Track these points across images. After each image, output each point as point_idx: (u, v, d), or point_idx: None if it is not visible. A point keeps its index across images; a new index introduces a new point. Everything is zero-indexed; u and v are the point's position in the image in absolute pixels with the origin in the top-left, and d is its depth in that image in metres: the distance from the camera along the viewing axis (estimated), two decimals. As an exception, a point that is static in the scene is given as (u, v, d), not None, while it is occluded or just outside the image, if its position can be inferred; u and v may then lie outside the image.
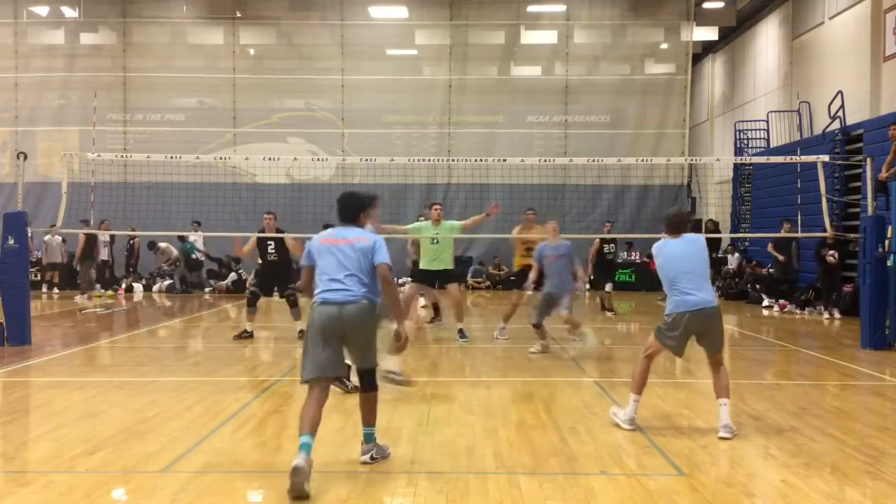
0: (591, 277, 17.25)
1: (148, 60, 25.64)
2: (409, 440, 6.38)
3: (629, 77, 25.70)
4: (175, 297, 20.86)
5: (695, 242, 6.92)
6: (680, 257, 6.76)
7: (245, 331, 12.31)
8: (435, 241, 12.26)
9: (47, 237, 20.91)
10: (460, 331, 12.22)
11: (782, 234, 16.87)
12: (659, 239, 7.06)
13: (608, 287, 16.74)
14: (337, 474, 5.63)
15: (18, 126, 25.33)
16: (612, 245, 17.07)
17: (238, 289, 21.35)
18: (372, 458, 5.74)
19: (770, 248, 17.99)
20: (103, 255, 21.59)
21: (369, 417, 5.81)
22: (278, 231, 12.86)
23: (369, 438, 5.80)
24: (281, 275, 12.61)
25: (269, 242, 12.64)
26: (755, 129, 23.67)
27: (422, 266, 12.48)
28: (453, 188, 24.65)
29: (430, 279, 12.44)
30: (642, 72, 25.92)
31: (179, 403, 7.81)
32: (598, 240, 16.79)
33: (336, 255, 5.62)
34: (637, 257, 23.17)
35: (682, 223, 7.02)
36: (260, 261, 12.89)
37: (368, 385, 5.81)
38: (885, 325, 11.41)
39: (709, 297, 6.75)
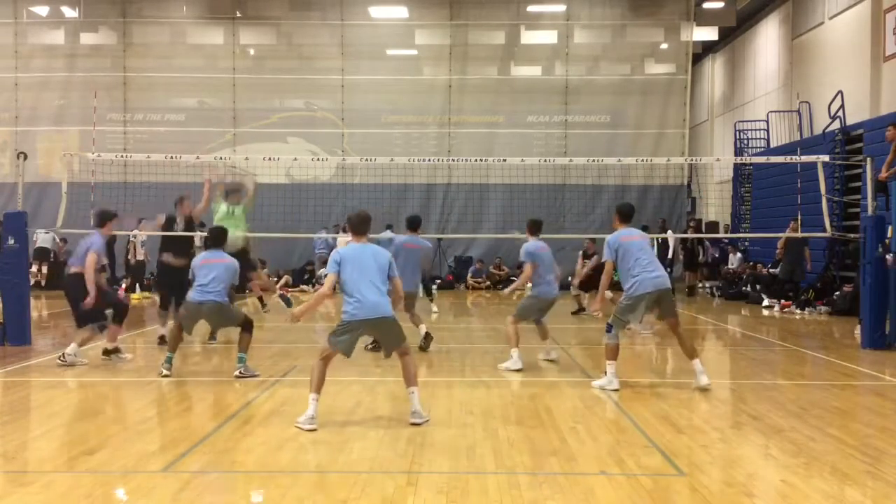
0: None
1: (148, 60, 25.65)
2: (409, 440, 6.38)
3: (629, 77, 25.70)
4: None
5: None
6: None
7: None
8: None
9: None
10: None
11: (788, 233, 16.78)
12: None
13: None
14: (337, 474, 5.63)
15: (18, 126, 25.34)
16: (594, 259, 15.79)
17: (238, 289, 21.28)
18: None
19: (780, 246, 17.81)
20: (139, 254, 21.42)
21: None
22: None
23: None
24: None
25: None
26: (755, 129, 23.68)
27: None
28: (453, 188, 24.66)
29: None
30: (642, 72, 25.93)
31: (179, 403, 7.82)
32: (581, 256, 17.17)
33: None
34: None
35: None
36: None
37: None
38: (885, 325, 11.41)
39: None
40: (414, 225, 11.50)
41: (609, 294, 12.31)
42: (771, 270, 18.77)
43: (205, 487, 5.23)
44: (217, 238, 9.65)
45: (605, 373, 8.50)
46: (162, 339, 11.35)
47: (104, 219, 10.57)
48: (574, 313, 15.71)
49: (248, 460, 5.92)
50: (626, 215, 8.67)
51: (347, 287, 6.81)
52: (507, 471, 5.62)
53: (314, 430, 6.57)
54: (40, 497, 5.08)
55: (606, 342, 8.48)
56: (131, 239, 20.73)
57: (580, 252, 17.66)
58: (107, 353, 10.21)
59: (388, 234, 13.49)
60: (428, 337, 11.20)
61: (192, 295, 9.14)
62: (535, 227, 10.20)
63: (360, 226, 7.16)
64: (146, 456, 5.92)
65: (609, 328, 8.47)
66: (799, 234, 16.39)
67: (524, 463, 5.81)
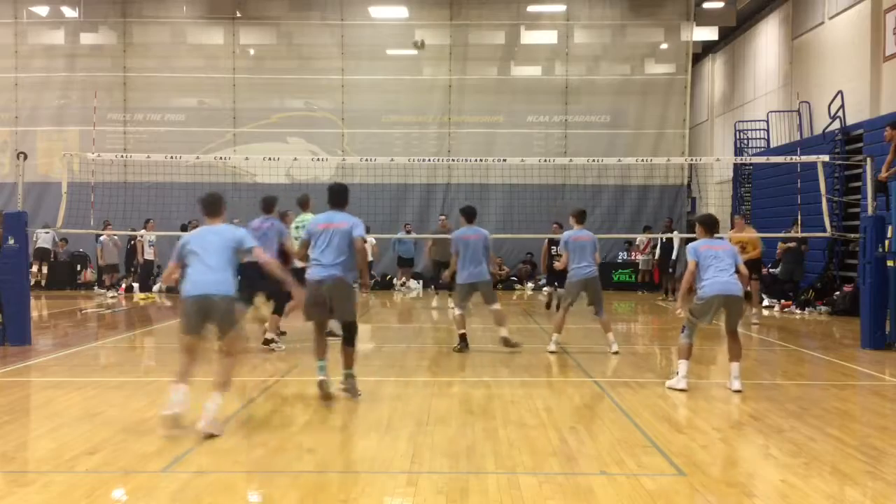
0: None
1: (148, 60, 25.64)
2: (409, 440, 6.38)
3: (629, 77, 25.69)
4: (175, 297, 20.83)
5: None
6: None
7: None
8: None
9: (103, 237, 20.63)
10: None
11: (792, 233, 16.76)
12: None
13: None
14: (337, 474, 5.63)
15: (18, 126, 25.33)
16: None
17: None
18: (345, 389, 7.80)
19: (781, 247, 17.79)
20: (147, 254, 21.41)
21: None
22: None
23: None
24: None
25: None
26: (755, 129, 23.67)
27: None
28: (453, 188, 24.65)
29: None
30: (642, 72, 25.92)
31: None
32: (546, 241, 16.55)
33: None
34: (635, 257, 23.12)
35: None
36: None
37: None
38: (885, 325, 11.40)
39: None
40: (469, 216, 11.48)
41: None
42: (771, 270, 18.76)
43: (205, 487, 5.23)
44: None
45: (676, 372, 8.61)
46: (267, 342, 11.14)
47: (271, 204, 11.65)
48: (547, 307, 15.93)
49: (248, 460, 5.92)
50: (709, 226, 8.87)
51: (187, 269, 6.73)
52: (507, 471, 5.62)
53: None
54: (40, 497, 5.08)
55: (680, 341, 8.67)
56: (138, 238, 20.72)
57: (547, 239, 16.69)
58: (266, 342, 10.98)
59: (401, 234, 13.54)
60: (507, 342, 11.09)
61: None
62: (580, 217, 11.31)
63: (209, 207, 7.01)
64: (146, 456, 5.92)
65: (684, 328, 8.65)
66: (798, 235, 16.40)
67: (524, 463, 5.81)
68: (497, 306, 11.30)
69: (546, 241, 16.47)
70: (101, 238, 20.63)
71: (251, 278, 9.56)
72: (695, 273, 8.52)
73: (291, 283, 7.34)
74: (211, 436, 6.35)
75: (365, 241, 7.97)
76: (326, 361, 7.78)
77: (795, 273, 17.31)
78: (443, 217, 14.94)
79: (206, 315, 6.61)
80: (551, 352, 10.96)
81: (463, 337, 11.17)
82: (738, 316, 8.61)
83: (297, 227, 11.79)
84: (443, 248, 13.93)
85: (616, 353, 10.84)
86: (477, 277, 11.14)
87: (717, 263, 8.43)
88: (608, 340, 10.94)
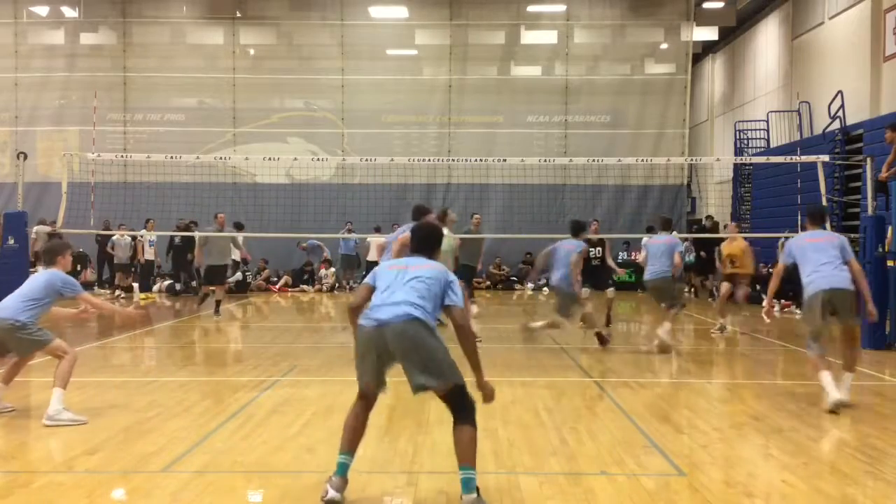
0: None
1: (148, 60, 25.66)
2: (409, 440, 6.38)
3: (629, 77, 25.71)
4: (175, 297, 20.84)
5: None
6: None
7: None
8: None
9: (115, 236, 20.57)
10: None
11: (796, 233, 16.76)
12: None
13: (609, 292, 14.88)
14: (337, 474, 5.62)
15: (18, 126, 25.34)
16: (599, 249, 14.56)
17: (240, 289, 21.34)
18: None
19: (781, 246, 17.77)
20: (148, 255, 21.37)
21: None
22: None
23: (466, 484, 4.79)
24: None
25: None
26: (755, 129, 23.67)
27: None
28: (453, 188, 24.66)
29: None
30: (642, 72, 25.94)
31: (179, 403, 7.81)
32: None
33: None
34: (636, 257, 23.08)
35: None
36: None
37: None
38: (885, 325, 11.39)
39: None
40: (575, 230, 11.84)
41: (586, 292, 12.47)
42: (771, 270, 18.75)
43: (205, 487, 5.23)
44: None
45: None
46: None
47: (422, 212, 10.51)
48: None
49: (248, 460, 5.91)
50: (816, 217, 8.55)
51: None
52: (507, 471, 5.62)
53: None
54: (40, 497, 5.07)
55: (810, 357, 7.92)
56: (139, 238, 20.71)
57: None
58: None
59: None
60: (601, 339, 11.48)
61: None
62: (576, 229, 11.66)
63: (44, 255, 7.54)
64: (146, 456, 5.92)
65: (809, 344, 7.91)
66: (793, 235, 16.39)
67: (524, 463, 5.81)
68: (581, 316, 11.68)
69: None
70: (114, 237, 20.60)
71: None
72: (782, 274, 8.05)
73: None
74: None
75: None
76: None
77: (795, 273, 17.25)
78: (477, 216, 14.49)
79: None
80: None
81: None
82: (850, 312, 7.73)
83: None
84: (471, 250, 13.36)
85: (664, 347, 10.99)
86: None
87: (820, 257, 7.79)
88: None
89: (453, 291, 4.99)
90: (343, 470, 4.98)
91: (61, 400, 6.94)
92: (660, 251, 11.44)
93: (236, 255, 18.05)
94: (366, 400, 5.13)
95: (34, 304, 7.17)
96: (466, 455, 4.81)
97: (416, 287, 4.92)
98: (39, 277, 7.40)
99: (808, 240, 8.10)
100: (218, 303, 15.47)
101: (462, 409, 4.90)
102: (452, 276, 5.08)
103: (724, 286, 13.89)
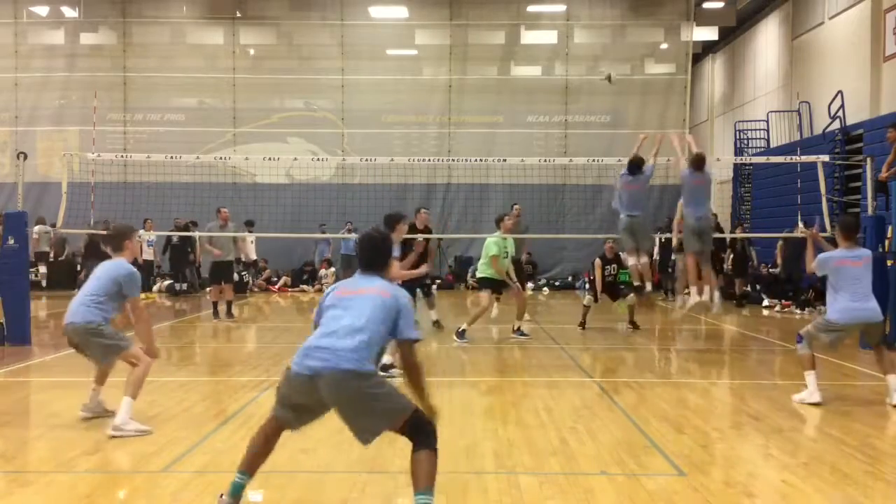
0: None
1: (148, 60, 25.66)
2: (408, 440, 6.36)
3: (629, 77, 25.70)
4: (175, 297, 20.84)
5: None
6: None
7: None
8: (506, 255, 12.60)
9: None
10: (519, 329, 12.63)
11: (796, 233, 16.73)
12: None
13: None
14: (336, 474, 5.63)
15: (18, 126, 25.34)
16: (615, 265, 14.21)
17: (238, 289, 21.30)
18: None
19: (779, 247, 17.75)
20: (147, 255, 21.30)
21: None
22: (427, 229, 13.23)
23: None
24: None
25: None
26: (755, 129, 23.67)
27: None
28: (453, 188, 24.67)
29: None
30: (642, 72, 25.94)
31: (179, 403, 7.81)
32: (598, 260, 14.45)
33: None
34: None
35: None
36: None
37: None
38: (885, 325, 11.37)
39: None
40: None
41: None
42: (771, 270, 18.75)
43: (205, 487, 5.23)
44: None
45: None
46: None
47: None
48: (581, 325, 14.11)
49: (248, 460, 5.91)
50: (851, 230, 8.27)
51: None
52: (507, 471, 5.62)
53: None
54: (40, 497, 5.08)
55: (800, 353, 8.01)
56: (137, 238, 20.67)
57: (598, 258, 14.71)
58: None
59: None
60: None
61: None
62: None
63: (112, 239, 7.20)
64: (146, 456, 5.92)
65: (801, 338, 7.98)
66: (792, 235, 16.40)
67: (524, 463, 5.81)
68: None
69: (597, 259, 14.58)
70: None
71: None
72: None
73: None
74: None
75: None
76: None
77: (794, 273, 17.27)
78: (517, 206, 14.73)
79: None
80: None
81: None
82: (879, 338, 7.92)
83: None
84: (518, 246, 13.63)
85: None
86: None
87: (856, 287, 7.76)
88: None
89: (405, 321, 4.52)
90: (237, 490, 4.52)
91: (130, 410, 6.54)
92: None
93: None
94: (279, 426, 4.67)
95: (102, 302, 6.71)
96: (424, 478, 4.42)
97: (354, 324, 4.44)
98: (103, 271, 6.88)
99: (850, 262, 7.95)
100: (229, 304, 15.29)
101: (421, 434, 4.50)
102: (405, 302, 4.59)
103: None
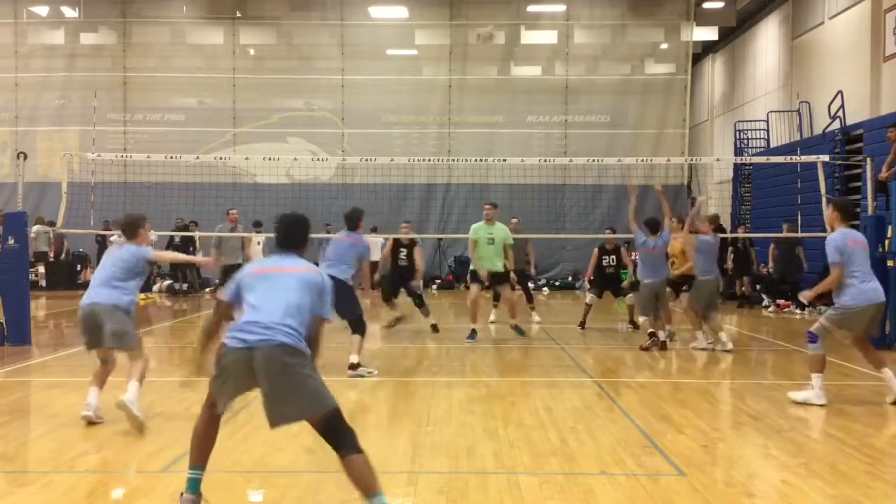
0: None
1: (148, 60, 25.66)
2: (409, 440, 6.38)
3: (629, 77, 25.70)
4: (175, 297, 20.84)
5: None
6: None
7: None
8: (492, 241, 12.33)
9: (114, 237, 20.39)
10: (516, 326, 12.57)
11: (783, 234, 16.77)
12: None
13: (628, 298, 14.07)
14: (337, 474, 5.62)
15: (18, 126, 25.34)
16: (613, 257, 14.23)
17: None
18: None
19: (771, 248, 17.80)
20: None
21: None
22: (412, 241, 13.31)
23: None
24: (407, 278, 13.19)
25: (402, 249, 13.16)
26: (755, 129, 23.66)
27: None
28: (453, 188, 24.66)
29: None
30: (642, 72, 25.93)
31: (179, 403, 7.81)
32: (596, 250, 14.45)
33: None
34: (635, 257, 23.01)
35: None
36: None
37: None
38: (885, 325, 11.38)
39: None
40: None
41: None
42: (771, 271, 18.73)
43: (205, 487, 5.22)
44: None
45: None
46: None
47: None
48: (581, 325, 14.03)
49: (248, 460, 5.92)
50: (850, 213, 8.21)
51: None
52: (507, 471, 5.62)
53: None
54: (40, 497, 5.07)
55: (811, 353, 7.89)
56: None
57: (597, 248, 14.68)
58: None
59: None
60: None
61: None
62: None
63: (126, 227, 7.21)
64: (146, 456, 5.92)
65: (814, 338, 7.85)
66: (784, 235, 16.39)
67: (524, 463, 5.81)
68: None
69: (596, 248, 14.60)
70: (112, 238, 20.50)
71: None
72: (840, 279, 7.57)
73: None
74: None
75: None
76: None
77: (787, 273, 17.23)
78: (514, 220, 14.44)
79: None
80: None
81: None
82: (880, 321, 7.81)
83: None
84: (515, 253, 13.17)
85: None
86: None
87: (865, 267, 7.67)
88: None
89: (325, 301, 4.67)
90: (195, 486, 4.55)
91: (138, 392, 6.68)
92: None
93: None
94: (215, 409, 4.69)
95: (128, 286, 6.82)
96: (368, 482, 4.39)
97: (288, 301, 4.51)
98: (122, 254, 6.94)
99: (859, 244, 7.84)
100: None
101: (342, 436, 4.44)
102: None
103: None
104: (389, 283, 13.12)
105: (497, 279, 12.52)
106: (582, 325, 13.95)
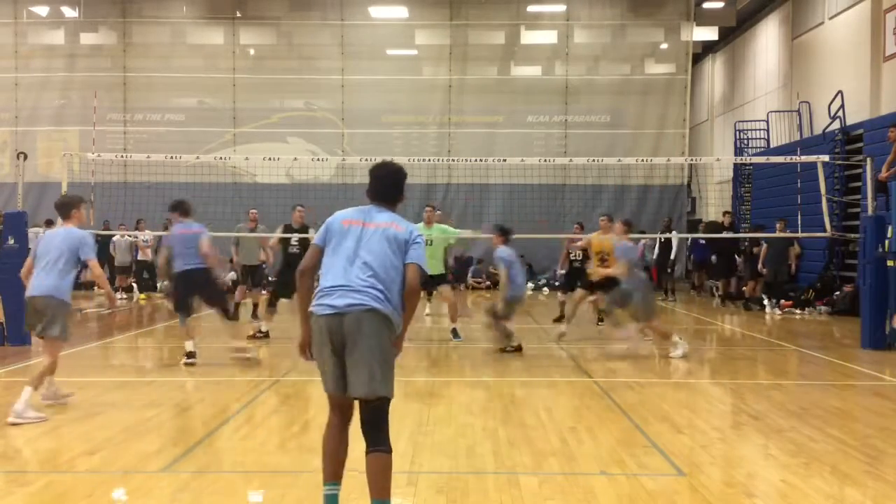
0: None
1: (148, 60, 25.66)
2: (409, 440, 6.38)
3: (629, 77, 25.70)
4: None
5: None
6: None
7: (260, 330, 12.35)
8: (429, 242, 12.17)
9: (115, 237, 20.42)
10: (453, 330, 12.39)
11: (777, 234, 16.74)
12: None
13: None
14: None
15: (18, 126, 25.34)
16: (580, 252, 14.02)
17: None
18: None
19: (764, 247, 17.76)
20: (142, 255, 21.21)
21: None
22: (304, 227, 13.01)
23: None
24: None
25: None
26: (755, 129, 23.66)
27: None
28: (453, 188, 24.66)
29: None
30: (642, 72, 25.93)
31: (179, 403, 7.82)
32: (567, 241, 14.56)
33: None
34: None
35: None
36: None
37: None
38: (885, 325, 11.39)
39: None
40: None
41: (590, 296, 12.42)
42: (767, 270, 18.68)
43: (205, 487, 5.23)
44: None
45: None
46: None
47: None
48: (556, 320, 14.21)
49: (248, 460, 5.92)
50: None
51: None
52: (507, 471, 5.62)
53: None
54: (40, 497, 5.08)
55: None
56: (137, 238, 20.65)
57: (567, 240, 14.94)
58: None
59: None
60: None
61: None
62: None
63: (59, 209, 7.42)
64: (146, 456, 5.92)
65: None
66: (778, 235, 16.38)
67: (524, 463, 5.81)
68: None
69: (566, 241, 14.76)
70: (114, 238, 20.49)
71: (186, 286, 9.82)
72: None
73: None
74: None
75: None
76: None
77: (779, 273, 17.16)
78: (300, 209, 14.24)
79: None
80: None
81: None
82: None
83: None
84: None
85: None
86: None
87: None
88: None
89: (414, 249, 4.40)
90: (333, 502, 4.37)
91: (30, 399, 6.89)
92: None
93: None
94: (340, 412, 4.40)
95: (62, 269, 6.96)
96: (382, 487, 4.20)
97: (373, 262, 4.30)
98: (55, 238, 7.04)
99: None
100: (255, 307, 14.58)
101: (379, 429, 4.23)
102: (418, 232, 4.51)
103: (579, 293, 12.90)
104: None
105: (435, 280, 12.27)
106: (558, 319, 14.00)
